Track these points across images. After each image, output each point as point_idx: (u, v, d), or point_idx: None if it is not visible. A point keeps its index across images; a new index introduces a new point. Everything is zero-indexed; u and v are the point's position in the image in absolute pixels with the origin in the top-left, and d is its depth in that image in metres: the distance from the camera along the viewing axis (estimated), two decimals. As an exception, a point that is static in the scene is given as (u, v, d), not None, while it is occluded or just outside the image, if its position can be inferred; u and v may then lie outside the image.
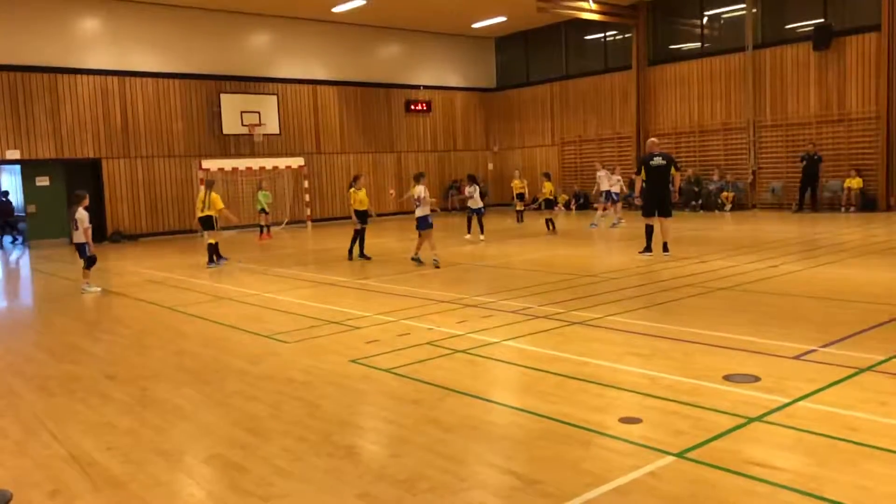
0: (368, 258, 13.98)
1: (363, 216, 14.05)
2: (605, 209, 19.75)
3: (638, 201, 13.09)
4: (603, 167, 20.05)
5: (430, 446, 4.33)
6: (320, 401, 5.35)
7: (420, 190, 12.40)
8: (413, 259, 12.72)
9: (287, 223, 24.31)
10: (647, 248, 12.59)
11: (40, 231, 21.16)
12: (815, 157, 20.27)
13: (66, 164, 21.23)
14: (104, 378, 6.32)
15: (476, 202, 16.63)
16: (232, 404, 5.39)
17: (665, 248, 12.47)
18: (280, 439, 4.58)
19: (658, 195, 12.49)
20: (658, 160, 12.45)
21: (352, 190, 14.31)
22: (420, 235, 12.61)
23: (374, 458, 4.30)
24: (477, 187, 16.72)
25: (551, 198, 19.33)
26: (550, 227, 18.06)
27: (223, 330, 8.16)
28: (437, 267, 12.13)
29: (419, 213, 12.37)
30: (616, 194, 19.57)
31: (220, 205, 14.40)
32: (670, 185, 12.57)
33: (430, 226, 12.44)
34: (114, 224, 21.87)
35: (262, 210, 21.45)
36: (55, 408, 5.54)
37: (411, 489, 3.76)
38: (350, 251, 14.21)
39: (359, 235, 14.02)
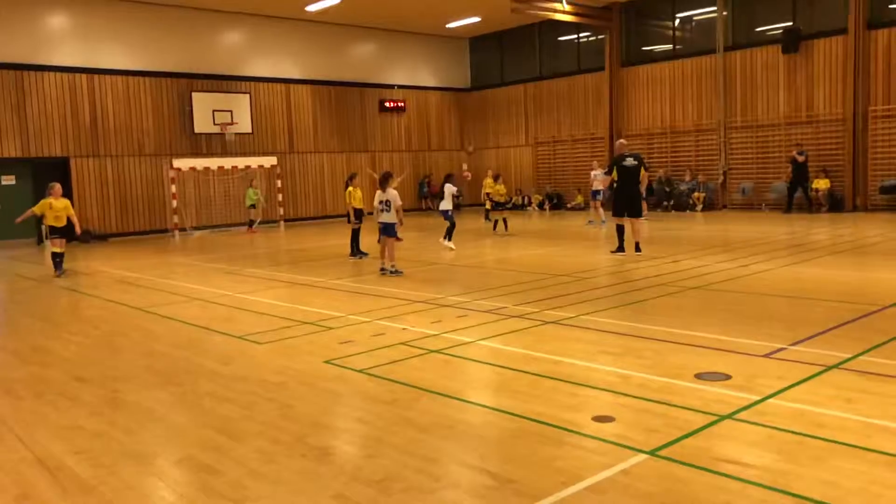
0: (366, 254, 13.92)
1: (360, 214, 14.05)
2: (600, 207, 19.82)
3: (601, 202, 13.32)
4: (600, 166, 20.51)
5: (404, 447, 4.32)
6: (294, 402, 5.32)
7: (394, 195, 11.41)
8: (393, 272, 11.44)
9: (259, 223, 24.12)
10: (620, 248, 12.70)
11: (7, 231, 20.72)
12: (801, 159, 20.39)
13: (33, 162, 20.85)
14: (73, 380, 6.21)
15: (444, 203, 15.15)
16: (204, 406, 5.33)
17: (637, 248, 12.59)
18: (253, 441, 4.54)
19: (629, 195, 12.60)
20: (630, 160, 12.59)
21: (350, 189, 14.11)
22: (389, 244, 11.55)
23: (349, 459, 4.28)
24: (448, 186, 15.42)
25: (501, 199, 18.99)
26: (497, 227, 18.24)
27: (195, 331, 8.07)
28: (384, 273, 11.49)
29: (387, 218, 11.41)
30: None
31: (37, 210, 13.28)
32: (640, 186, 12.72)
33: (395, 234, 11.57)
34: (83, 224, 21.47)
35: (252, 206, 22.19)
36: (22, 411, 5.44)
37: (386, 490, 3.75)
38: (357, 250, 14.09)
39: (357, 233, 14.07)
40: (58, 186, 13.68)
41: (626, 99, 25.50)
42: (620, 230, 12.76)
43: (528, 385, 5.45)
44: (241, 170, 23.40)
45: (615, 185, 12.71)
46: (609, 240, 16.30)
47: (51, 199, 13.31)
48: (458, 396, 5.29)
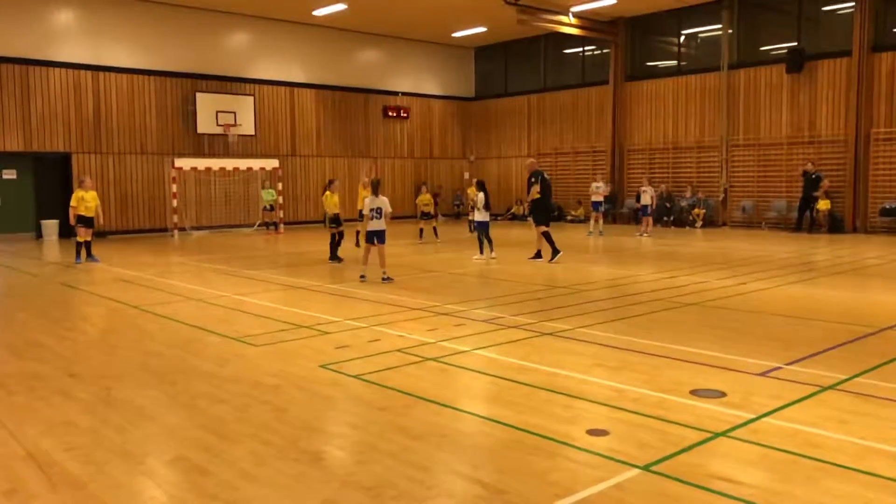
0: (341, 260, 14.25)
1: (337, 220, 14.38)
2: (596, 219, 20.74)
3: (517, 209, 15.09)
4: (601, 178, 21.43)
5: (397, 454, 4.31)
6: (287, 405, 5.30)
7: (385, 202, 11.45)
8: (385, 279, 11.41)
9: (258, 225, 24.14)
10: (556, 251, 13.60)
11: (6, 225, 20.73)
12: (813, 176, 20.38)
13: (34, 157, 20.87)
14: (67, 377, 6.19)
15: (482, 215, 14.26)
16: (197, 406, 5.32)
17: (540, 255, 13.86)
18: (246, 443, 4.53)
19: (550, 205, 14.29)
20: (546, 174, 13.93)
21: (327, 193, 14.58)
22: (380, 250, 11.52)
23: (341, 465, 4.26)
24: (483, 195, 14.34)
25: (427, 209, 19.31)
26: (423, 235, 18.87)
27: (191, 331, 8.05)
28: (364, 280, 11.51)
29: (379, 225, 11.40)
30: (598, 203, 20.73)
31: (74, 203, 14.48)
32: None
33: (384, 240, 11.53)
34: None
35: (268, 207, 23.17)
36: (14, 406, 5.42)
37: (377, 496, 3.73)
38: (336, 255, 14.42)
39: (337, 238, 14.38)
40: (89, 180, 15.35)
41: (630, 113, 25.55)
42: (550, 236, 13.67)
43: (522, 396, 5.43)
44: (243, 171, 23.43)
45: (537, 195, 13.71)
46: (605, 252, 16.34)
47: (81, 192, 14.62)
48: (452, 405, 5.27)
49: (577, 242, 18.61)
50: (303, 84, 25.87)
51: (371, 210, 11.43)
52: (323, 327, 8.02)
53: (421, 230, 19.05)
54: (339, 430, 4.93)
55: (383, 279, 11.41)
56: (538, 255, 13.92)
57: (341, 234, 14.51)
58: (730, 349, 6.75)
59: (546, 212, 14.00)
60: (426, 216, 19.31)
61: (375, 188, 11.56)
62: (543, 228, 13.76)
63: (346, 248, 15.26)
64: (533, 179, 13.73)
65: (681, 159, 24.29)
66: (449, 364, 6.41)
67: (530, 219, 14.93)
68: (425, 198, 19.40)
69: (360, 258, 12.02)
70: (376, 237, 11.47)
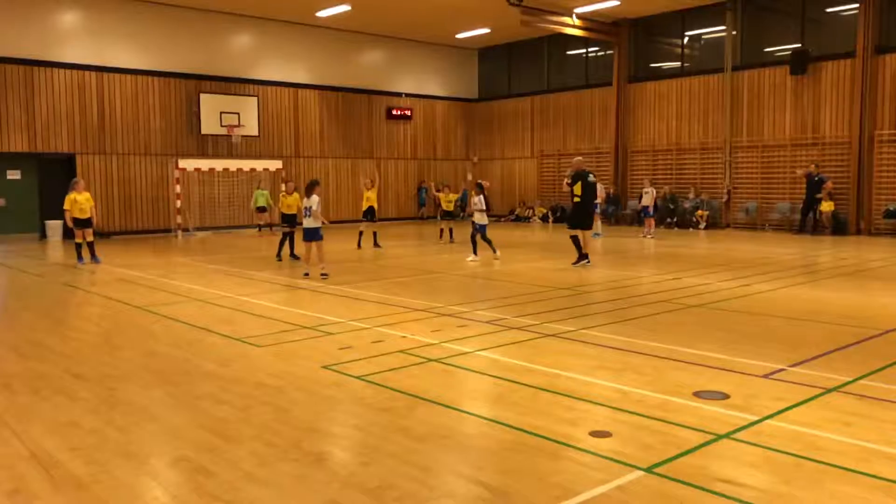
0: (298, 258, 14.62)
1: (291, 220, 14.85)
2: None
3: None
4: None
5: (399, 455, 4.31)
6: (290, 406, 5.31)
7: (314, 201, 11.96)
8: (323, 275, 12.05)
9: (263, 226, 24.14)
10: (583, 256, 13.34)
11: (10, 225, 20.77)
12: (816, 178, 20.30)
13: (39, 158, 20.92)
14: (70, 377, 6.20)
15: (481, 217, 14.34)
16: (200, 407, 5.32)
17: (587, 256, 13.42)
18: (248, 444, 4.53)
19: (590, 209, 13.64)
20: (591, 177, 13.46)
21: (282, 194, 15.18)
22: (318, 247, 12.17)
23: (343, 466, 4.26)
24: (483, 198, 14.43)
25: (450, 208, 19.26)
26: (443, 235, 18.88)
27: (194, 331, 8.06)
28: (320, 276, 11.99)
29: (310, 223, 11.97)
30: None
31: (67, 206, 14.59)
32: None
33: (321, 237, 12.11)
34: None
35: (261, 208, 22.17)
36: (18, 406, 5.43)
37: (379, 498, 3.73)
38: (279, 253, 15.01)
39: (287, 237, 14.97)
40: (81, 182, 15.17)
41: (633, 115, 25.54)
42: (578, 241, 13.39)
43: (525, 397, 5.43)
44: (246, 172, 23.47)
45: (576, 199, 13.32)
46: (607, 253, 16.32)
47: (74, 194, 14.63)
48: (455, 406, 5.27)
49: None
50: (306, 85, 25.91)
51: (305, 209, 12.12)
52: (326, 328, 8.02)
53: (450, 230, 18.85)
54: (342, 432, 4.93)
55: (321, 275, 12.01)
56: (583, 257, 13.38)
57: (292, 235, 14.93)
58: (733, 351, 6.74)
59: (583, 215, 13.32)
60: (448, 216, 19.10)
61: (309, 189, 12.11)
62: (575, 232, 13.31)
63: (348, 249, 15.24)
64: (569, 181, 13.43)
65: (684, 161, 24.27)
66: (452, 365, 6.40)
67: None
68: (451, 196, 19.14)
69: (304, 258, 12.68)
70: (309, 235, 12.10)
